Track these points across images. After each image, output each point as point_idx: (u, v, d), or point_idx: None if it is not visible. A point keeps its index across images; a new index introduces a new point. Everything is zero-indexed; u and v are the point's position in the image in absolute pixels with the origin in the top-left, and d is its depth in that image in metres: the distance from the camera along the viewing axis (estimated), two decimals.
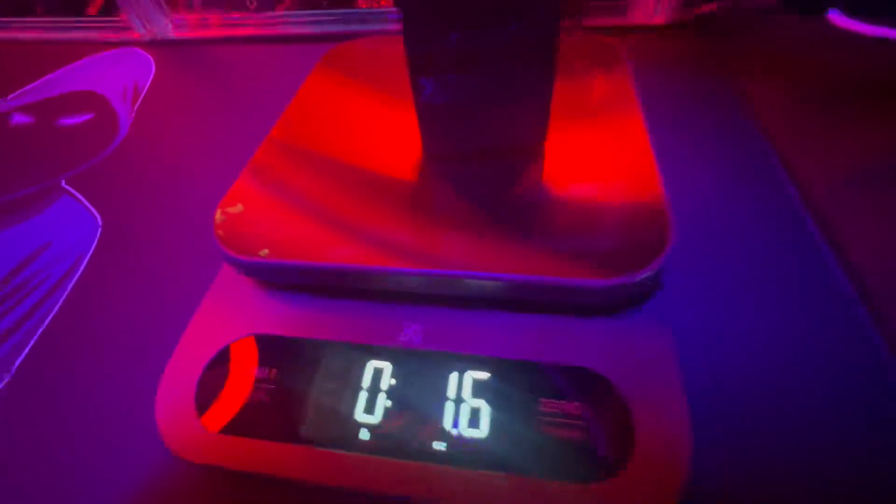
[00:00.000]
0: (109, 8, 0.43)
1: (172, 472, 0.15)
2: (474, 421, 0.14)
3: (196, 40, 0.40)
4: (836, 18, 0.33)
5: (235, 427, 0.15)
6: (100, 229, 0.25)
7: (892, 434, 0.15)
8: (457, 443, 0.14)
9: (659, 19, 0.34)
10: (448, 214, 0.16)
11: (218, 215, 0.17)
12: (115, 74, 0.37)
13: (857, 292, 0.18)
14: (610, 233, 0.15)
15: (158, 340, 0.19)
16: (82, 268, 0.23)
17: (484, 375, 0.15)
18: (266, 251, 0.16)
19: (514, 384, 0.14)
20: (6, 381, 0.19)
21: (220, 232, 0.16)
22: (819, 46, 0.31)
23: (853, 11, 0.33)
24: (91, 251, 0.24)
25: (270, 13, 0.40)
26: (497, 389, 0.14)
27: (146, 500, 0.15)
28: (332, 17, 0.38)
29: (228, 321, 0.17)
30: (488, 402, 0.14)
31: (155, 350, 0.18)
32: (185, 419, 0.15)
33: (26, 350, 0.20)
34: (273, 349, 0.16)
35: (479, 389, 0.15)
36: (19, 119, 0.34)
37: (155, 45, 0.40)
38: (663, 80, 0.29)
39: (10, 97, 0.36)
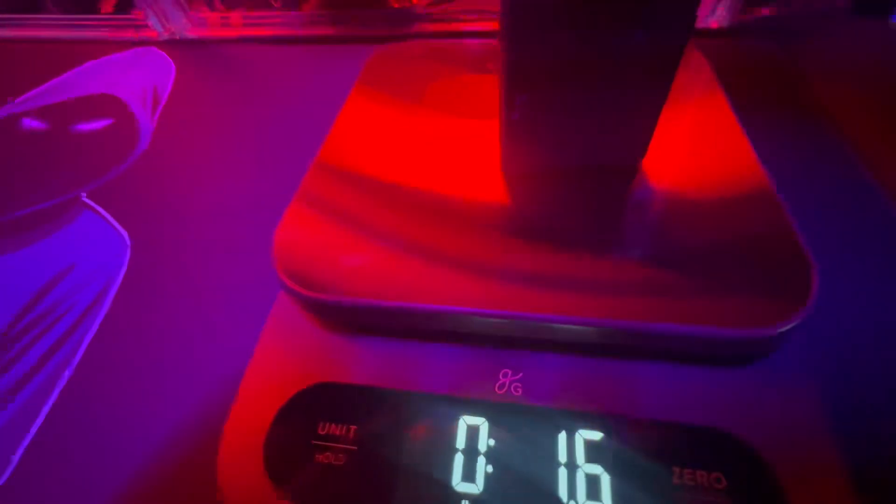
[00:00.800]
0: (124, 6, 0.41)
1: None
2: (593, 491, 0.12)
3: (216, 40, 0.38)
4: None
5: (313, 498, 0.13)
6: (129, 249, 0.22)
7: None
8: None
9: (714, 23, 0.32)
10: (550, 245, 0.14)
11: (277, 245, 0.15)
12: (134, 77, 0.34)
13: None
14: (745, 275, 0.13)
15: (212, 379, 0.17)
16: (112, 293, 0.21)
17: (599, 436, 0.13)
18: None
19: (638, 447, 0.13)
20: (38, 424, 0.17)
21: (282, 265, 0.14)
22: (888, 50, 0.29)
23: None
24: (122, 274, 0.21)
25: (296, 12, 0.38)
26: (623, 453, 0.12)
27: None
28: (363, 18, 0.36)
29: (293, 367, 0.15)
30: (606, 468, 0.12)
31: (210, 389, 0.16)
32: (256, 486, 0.13)
33: (56, 391, 0.18)
34: (348, 400, 0.14)
35: (594, 452, 0.13)
36: (31, 124, 0.31)
37: (173, 44, 0.38)
38: (741, 90, 0.27)
39: (19, 99, 0.34)
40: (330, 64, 0.34)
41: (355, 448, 0.13)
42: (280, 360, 0.15)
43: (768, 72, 0.28)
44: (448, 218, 0.16)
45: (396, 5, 0.37)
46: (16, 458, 0.16)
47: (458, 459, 0.13)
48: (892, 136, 0.24)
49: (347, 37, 0.36)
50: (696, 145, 0.17)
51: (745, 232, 0.14)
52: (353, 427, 0.13)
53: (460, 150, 0.18)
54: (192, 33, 0.38)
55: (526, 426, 0.13)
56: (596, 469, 0.12)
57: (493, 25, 0.35)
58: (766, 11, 0.32)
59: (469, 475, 0.13)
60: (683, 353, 0.13)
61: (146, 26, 0.38)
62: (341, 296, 0.14)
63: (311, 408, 0.14)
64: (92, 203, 0.25)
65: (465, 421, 0.13)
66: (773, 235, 0.14)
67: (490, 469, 0.13)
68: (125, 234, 0.23)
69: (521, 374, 0.14)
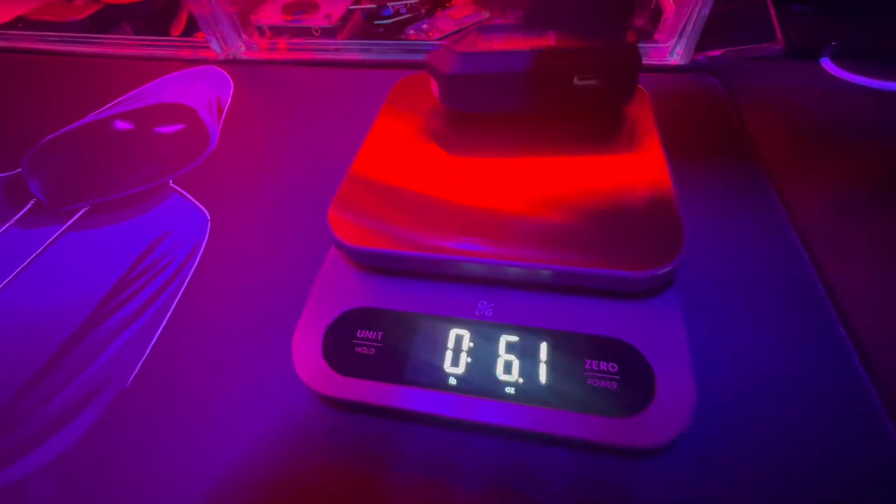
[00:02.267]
0: (189, 30, 0.49)
1: (308, 403, 0.20)
2: (535, 374, 0.19)
3: (265, 61, 0.46)
4: (828, 66, 0.38)
5: (353, 371, 0.20)
6: (209, 222, 0.30)
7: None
8: (521, 387, 0.19)
9: (674, 61, 0.39)
10: (519, 215, 0.21)
11: (332, 213, 0.22)
12: (200, 89, 0.42)
13: (829, 298, 0.23)
14: (641, 238, 0.20)
15: (283, 306, 0.24)
16: (202, 251, 0.28)
17: (543, 343, 0.20)
18: None
19: (566, 349, 0.19)
20: (149, 348, 0.24)
21: (334, 225, 0.22)
22: (812, 90, 0.36)
23: (839, 61, 0.38)
24: (206, 239, 0.29)
25: (332, 40, 0.46)
26: (554, 353, 0.19)
27: (291, 423, 0.20)
28: (386, 48, 0.44)
29: (342, 295, 0.22)
30: (547, 362, 0.19)
31: (281, 314, 0.23)
32: (317, 365, 0.20)
33: (164, 321, 0.25)
34: (379, 318, 0.21)
35: (540, 352, 0.20)
36: (121, 125, 0.39)
37: (229, 63, 0.46)
38: (676, 114, 0.34)
39: (107, 106, 0.41)
40: (358, 85, 0.42)
41: (381, 345, 0.20)
42: (331, 292, 0.22)
43: (708, 103, 0.35)
44: (451, 195, 0.23)
45: (413, 38, 0.45)
46: (137, 366, 0.23)
47: (448, 354, 0.20)
48: (801, 163, 0.30)
49: (372, 63, 0.44)
50: (623, 152, 0.24)
51: (641, 210, 0.21)
52: (379, 333, 0.21)
53: (466, 153, 0.26)
54: (245, 55, 0.46)
55: (493, 336, 0.20)
56: (535, 360, 0.19)
57: None
58: (715, 53, 0.39)
59: (455, 363, 0.20)
60: (595, 289, 0.20)
61: (207, 48, 0.46)
62: (372, 246, 0.21)
63: (352, 321, 0.21)
64: (178, 188, 0.33)
65: (454, 331, 0.20)
66: (661, 214, 0.21)
67: (469, 360, 0.20)
68: (205, 210, 0.31)
69: (492, 303, 0.21)
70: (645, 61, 0.40)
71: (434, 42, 0.45)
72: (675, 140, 0.31)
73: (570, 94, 0.26)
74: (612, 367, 0.19)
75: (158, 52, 0.48)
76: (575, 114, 0.27)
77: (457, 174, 0.24)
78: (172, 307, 0.25)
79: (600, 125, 0.27)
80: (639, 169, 0.23)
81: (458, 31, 0.46)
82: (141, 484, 0.19)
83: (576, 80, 0.26)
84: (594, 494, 0.18)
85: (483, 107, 0.27)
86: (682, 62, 0.39)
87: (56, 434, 0.21)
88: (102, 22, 0.52)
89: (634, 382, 0.18)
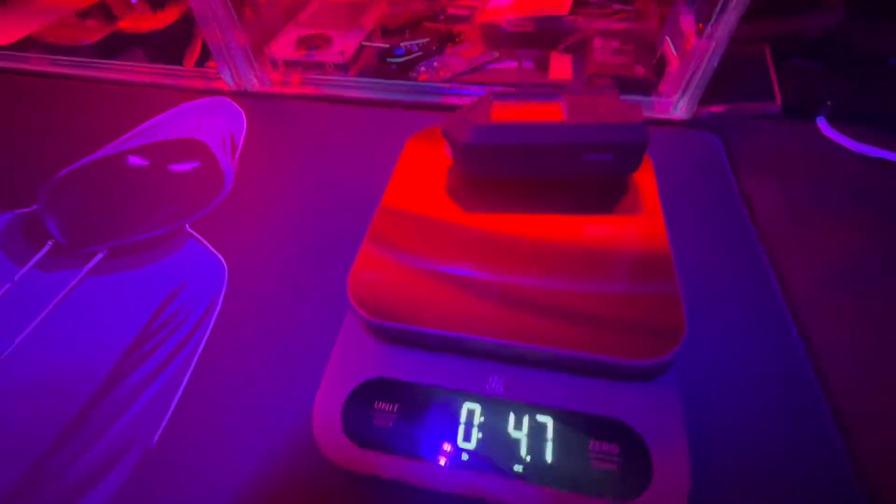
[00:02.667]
0: (202, 59, 0.50)
1: (326, 474, 0.22)
2: (542, 453, 0.20)
3: (277, 95, 0.47)
4: (823, 127, 0.40)
5: (371, 444, 0.21)
6: (226, 272, 0.31)
7: None
8: (529, 466, 0.20)
9: (678, 115, 0.41)
10: (529, 297, 0.23)
11: (351, 284, 0.24)
12: (213, 124, 0.43)
13: (819, 383, 0.24)
14: (644, 327, 0.21)
15: (301, 372, 0.25)
16: (219, 305, 0.29)
17: (548, 420, 0.21)
18: None
19: (572, 429, 0.21)
20: (172, 406, 0.25)
21: (354, 297, 0.23)
22: (808, 152, 0.38)
23: (835, 122, 0.40)
24: (223, 291, 0.30)
25: (344, 76, 0.47)
26: (559, 432, 0.21)
27: (311, 492, 0.21)
28: (397, 87, 0.45)
29: (359, 365, 0.23)
30: (552, 441, 0.21)
31: (300, 381, 0.24)
32: (336, 437, 0.21)
33: (185, 379, 0.26)
34: (396, 389, 0.22)
35: (545, 430, 0.21)
36: (135, 161, 0.40)
37: (241, 95, 0.47)
38: (677, 171, 0.35)
39: (121, 139, 0.42)
40: (371, 123, 0.43)
41: (396, 417, 0.21)
42: (349, 361, 0.23)
43: (708, 162, 0.37)
44: (465, 270, 0.24)
45: (421, 79, 0.46)
46: (162, 424, 0.24)
47: (462, 428, 0.21)
48: (795, 232, 0.32)
49: (383, 101, 0.45)
50: (629, 227, 0.26)
51: (642, 294, 0.22)
52: (396, 405, 0.22)
53: (479, 221, 0.27)
54: (257, 88, 0.47)
55: (503, 411, 0.21)
56: (543, 439, 0.21)
57: None
58: (716, 109, 0.41)
59: (467, 438, 0.21)
60: (599, 371, 0.22)
61: (219, 79, 0.47)
62: (390, 322, 0.22)
63: (369, 392, 0.22)
64: (194, 233, 0.34)
65: (466, 406, 0.22)
66: (662, 297, 0.22)
67: (480, 435, 0.21)
68: (222, 259, 0.32)
69: (503, 379, 0.22)
70: (648, 114, 0.41)
71: (444, 83, 0.46)
72: (675, 202, 0.32)
73: (580, 166, 0.28)
74: (614, 449, 0.20)
75: (171, 81, 0.48)
76: (583, 182, 0.29)
77: (471, 245, 0.25)
78: (192, 364, 0.26)
79: (606, 194, 0.28)
80: (644, 250, 0.25)
81: (467, 72, 0.47)
82: None
83: (585, 156, 0.27)
84: None
85: (496, 174, 0.29)
86: (684, 117, 0.41)
87: (86, 494, 0.22)
88: (114, 46, 0.53)
89: (634, 465, 0.20)
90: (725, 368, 0.25)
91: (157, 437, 0.23)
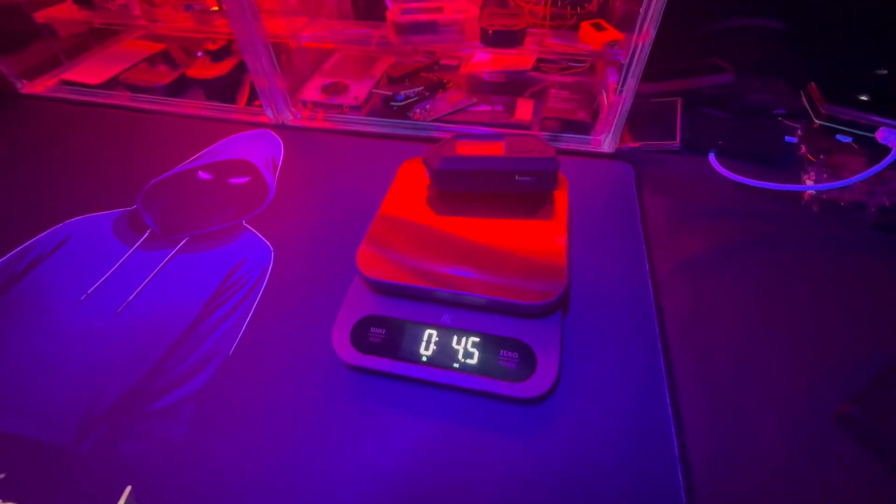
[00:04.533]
0: (250, 100, 0.65)
1: (341, 369, 0.35)
2: (471, 356, 0.34)
3: (306, 128, 0.61)
4: (713, 161, 0.53)
5: (368, 351, 0.34)
6: (272, 253, 0.45)
7: None
8: (463, 364, 0.33)
9: (605, 149, 0.55)
10: (470, 265, 0.36)
11: (359, 255, 0.37)
12: (259, 148, 0.58)
13: (661, 340, 0.37)
14: (540, 280, 0.35)
15: (325, 311, 0.38)
16: (268, 275, 0.43)
17: (477, 339, 0.34)
18: None
19: (491, 344, 0.34)
20: (241, 333, 0.38)
21: (360, 263, 0.36)
22: (697, 179, 0.51)
23: (722, 157, 0.53)
24: (270, 265, 0.43)
25: (357, 115, 0.61)
26: (483, 346, 0.34)
27: (328, 381, 0.35)
28: (397, 125, 0.59)
29: (361, 307, 0.36)
30: (479, 350, 0.34)
31: (324, 317, 0.38)
32: (346, 345, 0.34)
33: (247, 318, 0.39)
34: (383, 322, 0.36)
35: (474, 345, 0.34)
36: (203, 175, 0.54)
37: (279, 128, 0.61)
38: (598, 190, 0.49)
39: (191, 159, 0.57)
40: (377, 151, 0.57)
41: (386, 336, 0.35)
42: (355, 305, 0.37)
43: (622, 184, 0.50)
44: (431, 249, 0.37)
45: (416, 119, 0.61)
46: (236, 342, 0.38)
47: (423, 344, 0.34)
48: (672, 235, 0.45)
49: (387, 135, 0.59)
50: (544, 219, 0.39)
51: (542, 262, 0.36)
52: (384, 329, 0.35)
53: (446, 217, 0.40)
54: (291, 122, 0.62)
55: (449, 336, 0.35)
56: (473, 350, 0.34)
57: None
58: (633, 145, 0.54)
59: (426, 348, 0.34)
60: (510, 310, 0.35)
61: (262, 114, 0.62)
62: (382, 278, 0.35)
63: (367, 323, 0.35)
64: (249, 227, 0.48)
65: (429, 331, 0.35)
66: (555, 263, 0.35)
67: (434, 347, 0.34)
68: (269, 244, 0.46)
69: (451, 316, 0.35)
70: (584, 148, 0.55)
71: (432, 121, 0.60)
72: (590, 212, 0.46)
73: (514, 184, 0.41)
74: (514, 355, 0.33)
75: (224, 115, 0.63)
76: (518, 195, 0.42)
77: (437, 236, 0.39)
78: (252, 308, 0.40)
79: (531, 204, 0.42)
80: (550, 234, 0.38)
81: (451, 113, 0.61)
82: (235, 414, 0.34)
83: (517, 178, 0.41)
84: (499, 423, 0.32)
85: (458, 189, 0.42)
86: (609, 150, 0.54)
87: (189, 381, 0.35)
88: (180, 87, 0.68)
89: (525, 364, 0.33)
90: (597, 316, 0.38)
91: (233, 349, 0.37)
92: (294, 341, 0.37)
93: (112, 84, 0.69)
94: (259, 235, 0.46)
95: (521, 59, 0.66)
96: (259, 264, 0.44)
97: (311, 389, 0.35)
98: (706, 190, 0.50)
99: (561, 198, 0.42)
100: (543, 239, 0.38)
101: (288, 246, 0.45)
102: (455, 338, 0.34)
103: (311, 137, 0.60)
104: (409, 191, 0.44)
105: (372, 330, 0.35)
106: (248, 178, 0.54)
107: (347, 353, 0.34)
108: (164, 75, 0.68)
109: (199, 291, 0.41)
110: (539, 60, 0.66)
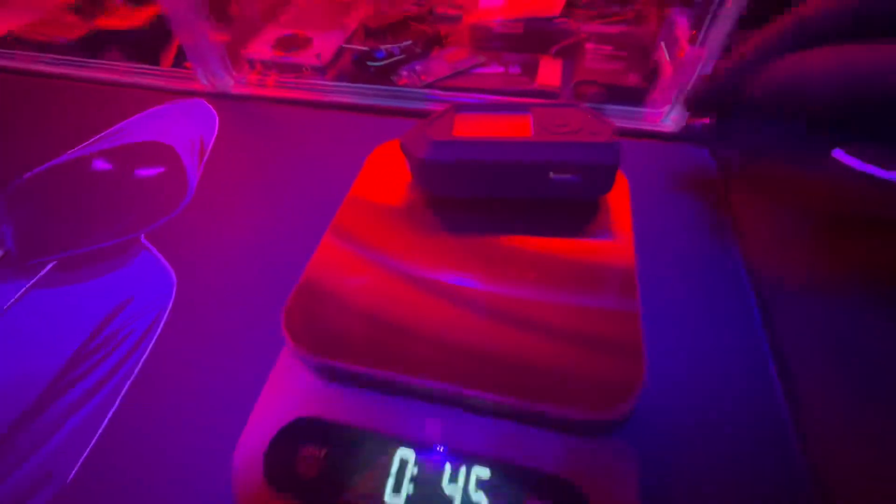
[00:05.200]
0: (179, 61, 0.48)
1: None
2: None
3: (253, 97, 0.45)
4: (842, 157, 0.37)
5: (293, 488, 0.19)
6: (174, 287, 0.29)
7: None
8: None
9: (667, 128, 0.38)
10: (478, 339, 0.21)
11: (286, 315, 0.22)
12: (184, 126, 0.42)
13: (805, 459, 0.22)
14: (598, 376, 0.19)
15: (232, 403, 0.23)
16: (162, 323, 0.28)
17: (487, 473, 0.19)
18: None
19: (510, 482, 0.19)
20: (93, 442, 0.23)
21: (289, 331, 0.21)
22: (811, 173, 0.35)
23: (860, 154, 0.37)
24: (168, 308, 0.28)
25: (321, 80, 0.45)
26: (498, 486, 0.19)
27: None
28: (375, 92, 0.43)
29: (289, 403, 0.21)
30: (490, 495, 0.19)
31: (230, 411, 0.23)
32: (255, 478, 0.19)
33: (111, 410, 0.24)
34: (326, 432, 0.20)
35: (481, 484, 0.19)
36: (100, 165, 0.39)
37: (217, 97, 0.45)
38: (659, 194, 0.33)
39: (90, 140, 0.41)
40: (345, 129, 0.41)
41: (326, 464, 0.20)
42: (280, 398, 0.22)
43: (697, 180, 0.34)
44: (411, 308, 0.22)
45: (404, 81, 0.44)
46: (80, 460, 0.23)
47: (391, 482, 0.19)
48: (783, 258, 0.29)
49: (361, 106, 0.43)
50: (593, 258, 0.24)
51: (597, 338, 0.20)
52: (325, 448, 0.20)
53: (434, 248, 0.25)
54: (234, 90, 0.45)
55: (437, 465, 0.20)
56: (479, 496, 0.19)
57: None
58: (704, 120, 0.38)
59: (397, 490, 0.19)
60: (546, 422, 0.20)
61: (195, 79, 0.46)
62: (326, 358, 0.20)
63: (295, 434, 0.20)
64: (148, 244, 0.32)
65: (402, 455, 0.20)
66: (621, 344, 0.20)
67: (412, 489, 0.19)
68: (173, 273, 0.30)
69: (443, 425, 0.20)
70: (636, 125, 0.39)
71: (424, 87, 0.44)
72: (657, 224, 0.30)
73: (544, 188, 0.25)
74: None
75: (147, 81, 0.47)
76: (548, 205, 0.26)
77: (419, 280, 0.23)
78: (122, 393, 0.25)
79: (571, 219, 0.26)
80: (605, 289, 0.22)
81: (450, 77, 0.45)
82: None
83: (552, 175, 0.25)
84: None
85: (456, 192, 0.27)
86: (674, 129, 0.38)
87: None
88: (93, 45, 0.51)
89: None
90: (696, 423, 0.23)
91: (72, 475, 0.22)
92: (174, 464, 0.22)
93: (6, 41, 0.53)
94: (160, 258, 0.31)
95: (545, 1, 0.49)
96: (151, 307, 0.28)
97: None
98: (825, 185, 0.34)
99: (620, 206, 0.27)
100: (600, 285, 0.23)
101: (201, 275, 0.30)
102: (448, 471, 0.19)
103: (258, 110, 0.44)
104: (380, 196, 0.28)
105: (302, 450, 0.20)
106: (161, 169, 0.38)
107: (256, 494, 0.19)
108: (72, 28, 0.52)
109: (49, 355, 0.26)
110: (569, 4, 0.49)
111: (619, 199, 0.27)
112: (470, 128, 0.26)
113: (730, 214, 0.32)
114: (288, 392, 0.22)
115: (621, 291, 0.22)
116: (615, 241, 0.25)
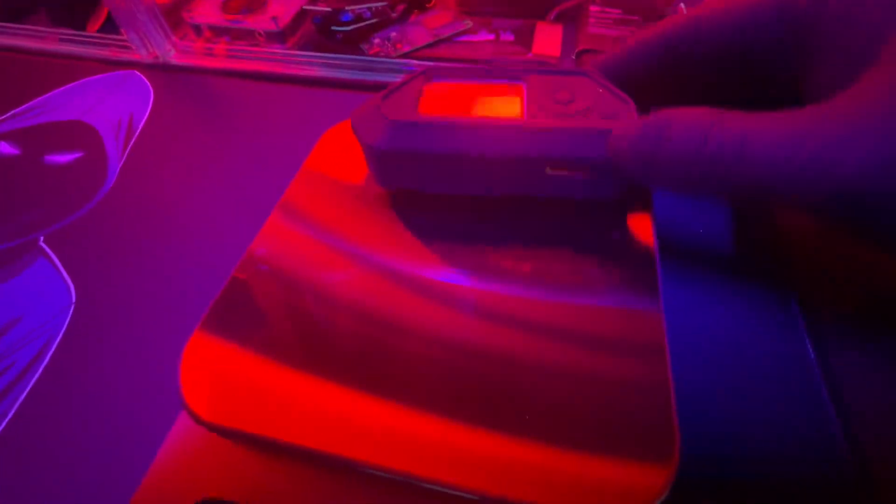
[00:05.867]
0: (112, 27, 0.41)
1: None
2: None
3: (198, 69, 0.38)
4: None
5: None
6: (73, 306, 0.23)
7: None
8: None
9: None
10: (447, 412, 0.15)
11: (186, 355, 0.16)
12: (111, 104, 0.35)
13: None
14: (623, 444, 0.14)
15: (121, 469, 0.17)
16: (51, 351, 0.22)
17: None
18: None
19: None
20: None
21: (187, 388, 0.15)
22: None
23: None
24: (61, 333, 0.22)
25: (279, 49, 0.38)
26: None
27: None
28: (341, 62, 0.36)
29: (191, 477, 0.16)
30: None
31: (115, 483, 0.17)
32: None
33: None
34: None
35: None
36: (6, 149, 0.32)
37: (155, 68, 0.38)
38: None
39: (1, 118, 0.34)
40: (305, 105, 0.35)
41: None
42: (176, 472, 0.16)
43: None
44: (348, 359, 0.16)
45: (376, 51, 0.38)
46: None
47: None
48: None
49: (326, 80, 0.36)
50: (607, 303, 0.18)
51: (610, 416, 0.15)
52: None
53: (387, 274, 0.19)
54: (175, 60, 0.38)
55: None
56: None
57: None
58: None
59: None
60: None
61: (130, 48, 0.39)
62: (231, 425, 0.14)
63: None
64: (47, 248, 0.26)
65: None
66: (643, 422, 0.14)
67: None
68: (73, 287, 0.24)
69: None
70: None
71: (398, 58, 0.37)
72: (691, 235, 0.24)
73: (541, 185, 0.19)
74: None
75: (74, 49, 0.40)
76: (545, 208, 0.20)
77: (364, 316, 0.17)
78: None
79: (583, 221, 0.20)
80: (619, 340, 0.17)
81: (431, 45, 0.38)
82: None
83: (548, 171, 0.19)
84: None
85: (422, 187, 0.21)
86: None
87: None
88: (17, 8, 0.44)
89: None
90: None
91: None
92: None
93: None
94: (59, 268, 0.25)
95: None
96: (40, 331, 0.22)
97: None
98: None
99: (640, 215, 0.21)
100: (614, 327, 0.17)
101: (106, 291, 0.24)
102: None
103: (202, 83, 0.37)
104: (326, 193, 0.22)
105: None
106: (79, 154, 0.31)
107: None
108: None
109: None
110: None
111: (638, 212, 0.21)
112: (442, 104, 0.20)
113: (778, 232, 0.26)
114: (187, 467, 0.16)
115: (645, 353, 0.16)
116: (632, 276, 0.19)
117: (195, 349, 0.16)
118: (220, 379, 0.16)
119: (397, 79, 0.35)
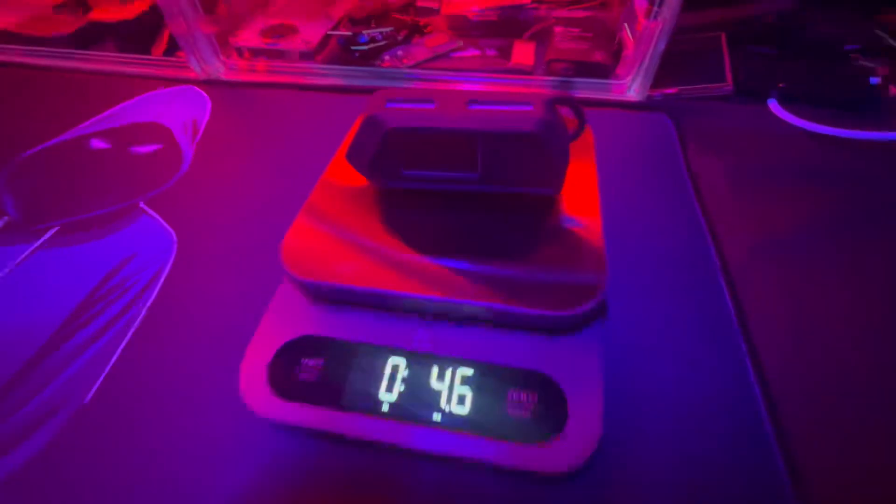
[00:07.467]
0: (172, 50, 0.50)
1: (253, 426, 0.22)
2: (461, 401, 0.21)
3: (244, 83, 0.47)
4: (774, 107, 0.40)
5: (296, 394, 0.21)
6: (175, 244, 0.31)
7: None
8: (448, 412, 0.20)
9: (631, 97, 0.42)
10: (454, 254, 0.23)
11: (284, 247, 0.24)
12: (177, 109, 0.44)
13: (745, 345, 0.25)
14: (565, 280, 0.22)
15: (235, 333, 0.25)
16: (164, 275, 0.29)
17: (471, 371, 0.21)
18: None
19: (491, 379, 0.21)
20: (107, 369, 0.25)
21: (287, 260, 0.23)
22: (758, 132, 0.38)
23: (786, 103, 0.40)
24: (170, 262, 0.30)
25: (310, 63, 0.47)
26: (481, 382, 0.21)
27: (231, 447, 0.22)
28: (360, 73, 0.46)
29: (289, 323, 0.23)
30: (473, 389, 0.21)
31: (232, 340, 0.25)
32: (261, 390, 0.21)
33: (122, 344, 0.26)
34: (322, 346, 0.22)
35: (466, 381, 0.21)
36: (97, 144, 0.40)
37: (209, 84, 0.47)
38: (627, 153, 0.36)
39: (86, 123, 0.43)
40: (332, 109, 0.44)
41: (324, 371, 0.22)
42: (280, 320, 0.24)
43: (658, 141, 0.37)
44: (396, 233, 0.24)
45: (387, 65, 0.47)
46: (96, 385, 0.24)
47: (384, 382, 0.21)
48: (737, 204, 0.32)
49: (348, 88, 0.46)
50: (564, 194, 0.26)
51: (568, 253, 0.23)
52: (322, 358, 0.22)
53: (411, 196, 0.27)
54: (225, 76, 0.48)
55: (424, 367, 0.22)
56: (464, 390, 0.21)
57: (466, 85, 0.44)
58: (669, 91, 0.41)
59: (389, 390, 0.21)
60: (524, 324, 0.22)
61: (188, 67, 0.48)
62: (319, 279, 0.22)
63: (295, 349, 0.22)
64: (147, 209, 0.34)
65: (391, 361, 0.22)
66: (586, 254, 0.23)
67: (402, 388, 0.21)
68: (172, 232, 0.32)
69: (428, 334, 0.22)
70: (604, 96, 0.42)
71: (406, 69, 0.47)
72: (620, 178, 0.33)
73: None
74: (530, 397, 0.21)
75: (140, 70, 0.49)
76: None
77: (406, 209, 0.26)
78: (131, 331, 0.26)
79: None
80: (571, 212, 0.25)
81: (431, 60, 0.48)
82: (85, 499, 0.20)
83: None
84: None
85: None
86: (637, 98, 0.41)
87: (9, 452, 0.22)
88: (87, 38, 0.53)
89: (549, 412, 0.20)
90: (655, 330, 0.26)
91: (89, 397, 0.24)
92: (184, 381, 0.24)
93: (5, 36, 0.55)
94: (159, 220, 0.33)
95: None
96: (154, 261, 0.30)
97: (202, 465, 0.22)
98: (772, 143, 0.37)
99: (585, 153, 0.29)
100: (567, 214, 0.25)
101: (199, 234, 0.32)
102: (436, 371, 0.22)
103: (249, 94, 0.46)
104: None
105: (302, 361, 0.22)
106: (158, 146, 0.40)
107: (262, 400, 0.21)
108: (67, 23, 0.53)
109: (60, 301, 0.28)
110: None
111: (584, 151, 0.29)
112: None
113: (688, 170, 0.35)
114: (287, 315, 0.24)
115: (586, 218, 0.25)
116: (582, 183, 0.27)
117: (289, 239, 0.24)
118: (310, 253, 0.23)
119: (406, 85, 0.45)
